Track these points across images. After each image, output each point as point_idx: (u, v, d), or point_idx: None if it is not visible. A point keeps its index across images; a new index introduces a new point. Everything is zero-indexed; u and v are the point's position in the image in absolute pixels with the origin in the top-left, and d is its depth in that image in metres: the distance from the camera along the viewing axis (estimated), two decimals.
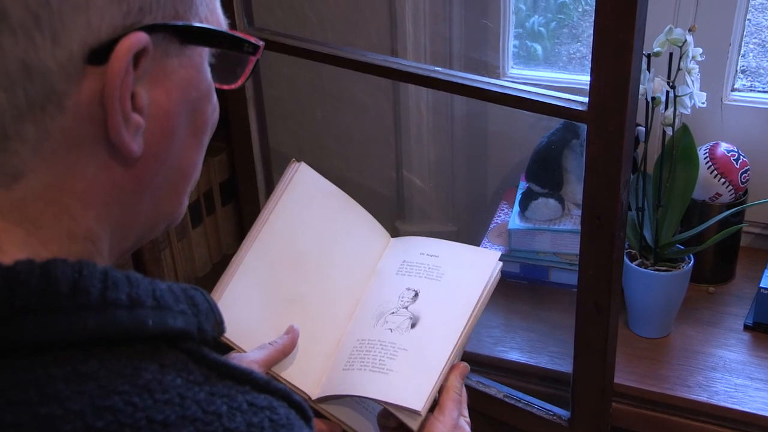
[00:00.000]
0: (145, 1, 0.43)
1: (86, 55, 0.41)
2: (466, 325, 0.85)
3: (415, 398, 0.79)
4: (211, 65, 0.49)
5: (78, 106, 0.42)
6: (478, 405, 1.16)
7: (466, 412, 0.82)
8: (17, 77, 0.40)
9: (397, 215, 1.58)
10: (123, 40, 0.42)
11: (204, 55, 0.48)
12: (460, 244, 0.95)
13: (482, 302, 0.88)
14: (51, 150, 0.42)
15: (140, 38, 0.42)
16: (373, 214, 0.98)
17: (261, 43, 0.50)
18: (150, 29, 0.43)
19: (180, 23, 0.45)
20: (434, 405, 0.81)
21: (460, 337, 0.84)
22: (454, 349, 0.83)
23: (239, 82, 0.53)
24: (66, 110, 0.42)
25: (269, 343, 0.82)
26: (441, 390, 0.81)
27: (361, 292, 0.91)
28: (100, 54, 0.41)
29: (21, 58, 0.40)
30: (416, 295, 0.88)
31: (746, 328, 1.22)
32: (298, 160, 0.95)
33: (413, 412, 0.78)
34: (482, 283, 0.88)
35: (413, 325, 0.85)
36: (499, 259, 0.92)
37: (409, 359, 0.82)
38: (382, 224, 0.99)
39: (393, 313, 0.87)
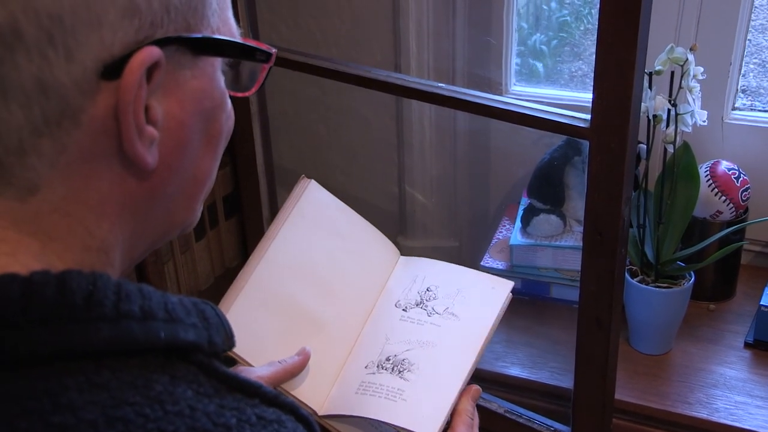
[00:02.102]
0: (156, 15, 0.43)
1: (100, 70, 0.42)
2: (477, 353, 0.87)
3: (429, 425, 0.81)
4: (225, 73, 0.50)
5: (93, 120, 0.43)
6: (479, 420, 1.16)
7: None
8: (33, 94, 0.41)
9: (399, 230, 1.59)
10: (135, 55, 0.42)
11: (216, 65, 0.49)
12: (474, 271, 0.96)
13: (492, 330, 0.90)
14: (67, 164, 0.43)
15: (152, 52, 0.43)
16: (373, 226, 0.99)
17: (273, 51, 0.50)
18: (162, 43, 0.44)
19: (191, 35, 0.46)
20: (447, 427, 0.82)
21: (472, 365, 0.86)
22: (466, 377, 0.85)
23: (253, 89, 0.53)
24: (81, 125, 0.43)
25: (279, 362, 0.82)
26: (453, 413, 0.82)
27: (369, 311, 0.92)
28: (113, 69, 0.42)
29: (36, 75, 0.41)
30: (431, 325, 0.90)
31: (747, 345, 1.22)
32: (308, 177, 0.95)
33: None
34: (494, 314, 0.90)
35: (425, 356, 0.87)
36: (500, 274, 0.93)
37: (422, 387, 0.84)
38: (383, 235, 0.99)
39: (406, 341, 0.88)
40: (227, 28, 0.49)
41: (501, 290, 0.93)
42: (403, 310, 0.91)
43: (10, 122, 0.41)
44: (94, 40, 0.41)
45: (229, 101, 0.51)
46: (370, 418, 0.82)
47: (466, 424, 0.82)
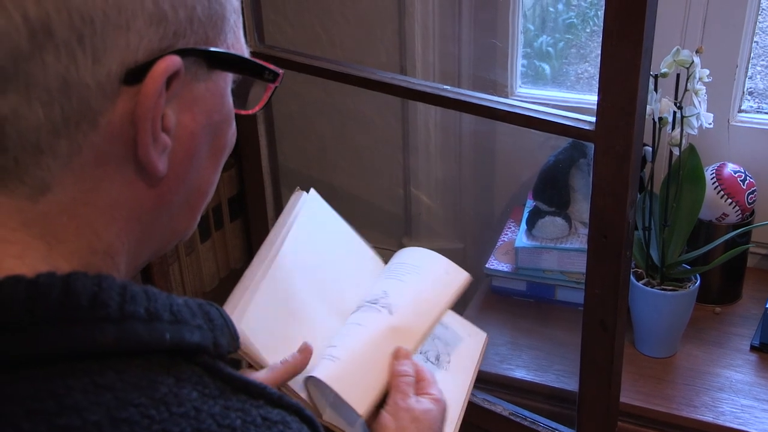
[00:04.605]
0: (180, 25, 0.44)
1: (123, 75, 0.42)
2: (424, 331, 0.86)
3: (361, 401, 0.79)
4: (231, 91, 0.51)
5: (110, 124, 0.43)
6: (484, 422, 1.16)
7: (432, 390, 0.80)
8: (56, 93, 0.41)
9: (404, 232, 1.59)
10: (159, 63, 0.43)
11: (228, 80, 0.50)
12: (435, 253, 0.96)
13: (443, 312, 0.89)
14: (80, 165, 0.43)
15: (175, 61, 0.43)
16: (380, 231, 1.00)
17: (281, 71, 0.51)
18: (183, 53, 0.44)
19: (211, 49, 0.46)
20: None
21: (417, 341, 0.85)
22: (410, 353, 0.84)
23: (257, 108, 0.54)
24: (99, 127, 0.43)
25: (280, 362, 0.82)
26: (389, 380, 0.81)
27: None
28: (136, 75, 0.43)
29: (62, 75, 0.41)
30: (383, 293, 0.89)
31: (753, 348, 1.22)
32: (313, 179, 0.96)
33: (356, 413, 0.79)
34: (447, 292, 0.90)
35: (372, 319, 0.86)
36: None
37: (362, 353, 0.83)
38: (388, 240, 1.00)
39: (357, 310, 0.88)
40: (239, 46, 0.50)
41: (455, 276, 0.93)
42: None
43: (30, 120, 0.41)
44: (121, 44, 0.42)
45: (234, 118, 0.52)
46: (313, 377, 0.82)
47: (400, 388, 0.79)
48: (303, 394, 0.84)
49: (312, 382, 0.83)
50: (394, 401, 0.78)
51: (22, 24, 0.39)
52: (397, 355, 0.82)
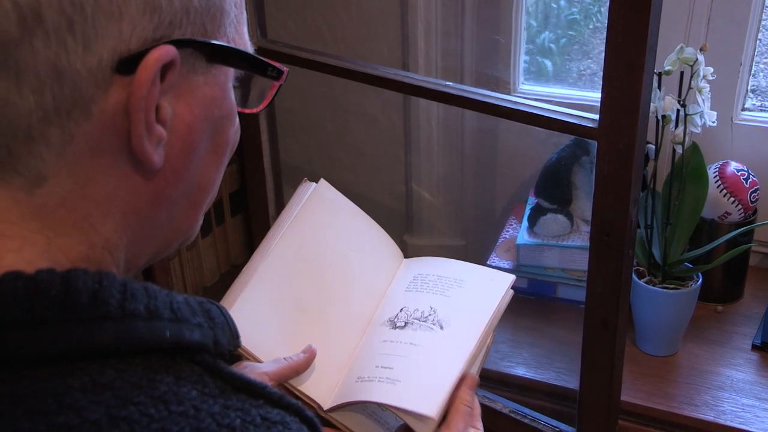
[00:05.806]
0: (175, 15, 0.43)
1: (115, 63, 0.42)
2: (478, 338, 0.86)
3: (428, 405, 0.79)
4: (234, 89, 0.50)
5: (103, 113, 0.43)
6: (484, 420, 1.15)
7: (479, 425, 0.82)
8: (47, 80, 0.41)
9: (405, 229, 1.59)
10: (152, 52, 0.42)
11: (229, 75, 0.49)
12: (473, 264, 0.96)
13: (494, 319, 0.89)
14: (74, 156, 0.43)
15: (168, 51, 0.43)
16: (381, 228, 0.99)
17: (285, 69, 0.50)
18: (178, 44, 0.44)
19: (209, 41, 0.46)
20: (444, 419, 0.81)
21: (472, 350, 0.85)
22: (466, 361, 0.84)
23: (261, 107, 0.54)
24: (91, 116, 0.42)
25: (284, 358, 0.83)
26: (449, 402, 0.81)
27: (374, 308, 0.92)
28: (128, 64, 0.42)
29: (52, 61, 0.40)
30: (431, 309, 0.89)
31: (754, 347, 1.22)
32: (315, 174, 0.96)
33: (426, 418, 0.79)
34: (495, 300, 0.90)
35: (426, 338, 0.86)
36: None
37: (421, 370, 0.83)
38: (391, 238, 1.00)
39: (405, 326, 0.88)
40: (242, 41, 0.49)
41: (501, 283, 0.92)
42: (403, 308, 0.91)
43: (20, 107, 0.41)
44: (113, 32, 0.41)
45: (237, 116, 0.51)
46: (371, 402, 0.82)
47: (461, 412, 0.80)
48: (336, 416, 0.84)
49: (364, 405, 0.83)
50: (456, 427, 0.79)
51: (11, 9, 0.39)
52: (470, 382, 0.83)
